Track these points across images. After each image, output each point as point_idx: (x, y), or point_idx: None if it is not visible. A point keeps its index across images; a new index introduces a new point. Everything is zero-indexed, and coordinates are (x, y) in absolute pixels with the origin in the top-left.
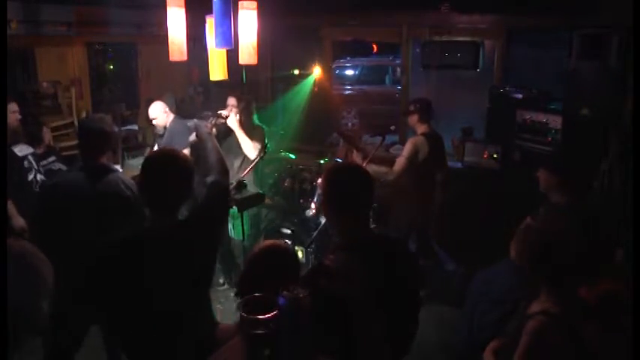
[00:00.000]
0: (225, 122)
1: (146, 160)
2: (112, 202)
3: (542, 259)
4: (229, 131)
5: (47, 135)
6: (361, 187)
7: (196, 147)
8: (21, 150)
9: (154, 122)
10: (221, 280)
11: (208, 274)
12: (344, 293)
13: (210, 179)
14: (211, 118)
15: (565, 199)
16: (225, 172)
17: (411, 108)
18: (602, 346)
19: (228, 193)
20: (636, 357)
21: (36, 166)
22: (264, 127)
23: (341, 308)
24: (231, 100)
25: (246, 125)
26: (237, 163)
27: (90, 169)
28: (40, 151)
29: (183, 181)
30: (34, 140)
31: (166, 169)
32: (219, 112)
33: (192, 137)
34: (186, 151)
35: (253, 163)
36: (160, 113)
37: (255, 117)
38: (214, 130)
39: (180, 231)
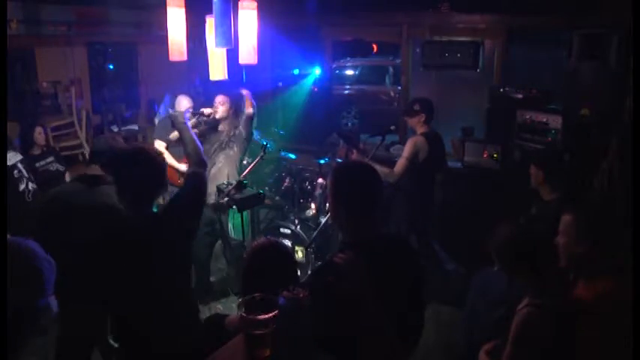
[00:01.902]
0: (209, 119)
1: (119, 156)
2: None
3: (504, 261)
4: (215, 130)
5: (41, 136)
6: (370, 186)
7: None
8: (9, 159)
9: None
10: None
11: (185, 263)
12: (354, 292)
13: (187, 170)
14: (195, 116)
15: (555, 196)
16: (202, 162)
17: (417, 108)
18: (599, 342)
19: (204, 183)
20: (636, 357)
21: (27, 174)
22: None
23: (350, 306)
24: (219, 98)
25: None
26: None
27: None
28: (37, 152)
29: (154, 175)
30: (26, 143)
31: (137, 164)
32: (201, 110)
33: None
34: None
35: (253, 163)
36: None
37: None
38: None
39: (155, 222)
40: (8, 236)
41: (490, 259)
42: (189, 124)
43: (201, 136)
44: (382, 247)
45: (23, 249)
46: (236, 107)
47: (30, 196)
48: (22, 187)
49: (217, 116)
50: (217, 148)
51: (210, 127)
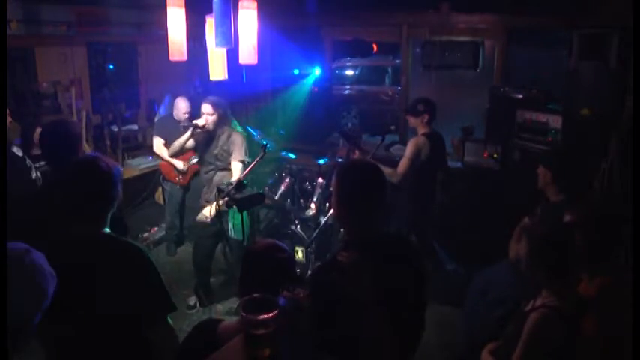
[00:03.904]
0: (203, 131)
1: (68, 167)
2: None
3: (539, 258)
4: (211, 138)
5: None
6: (374, 185)
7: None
8: (18, 151)
9: (186, 116)
10: (192, 302)
11: (138, 301)
12: (357, 290)
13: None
14: (190, 129)
15: (561, 197)
16: None
17: (421, 108)
18: (600, 337)
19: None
20: (636, 356)
21: (33, 165)
22: (244, 133)
23: (352, 305)
24: (206, 108)
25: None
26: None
27: None
28: (38, 152)
29: (103, 190)
30: (26, 143)
31: (86, 177)
32: (194, 122)
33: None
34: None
35: (253, 163)
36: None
37: (234, 124)
38: (192, 140)
39: (106, 244)
40: (14, 243)
41: (490, 259)
42: (187, 135)
43: (198, 146)
44: (385, 246)
45: (27, 264)
46: (223, 113)
47: (40, 184)
48: (33, 175)
49: (211, 127)
50: (220, 153)
51: (206, 137)
